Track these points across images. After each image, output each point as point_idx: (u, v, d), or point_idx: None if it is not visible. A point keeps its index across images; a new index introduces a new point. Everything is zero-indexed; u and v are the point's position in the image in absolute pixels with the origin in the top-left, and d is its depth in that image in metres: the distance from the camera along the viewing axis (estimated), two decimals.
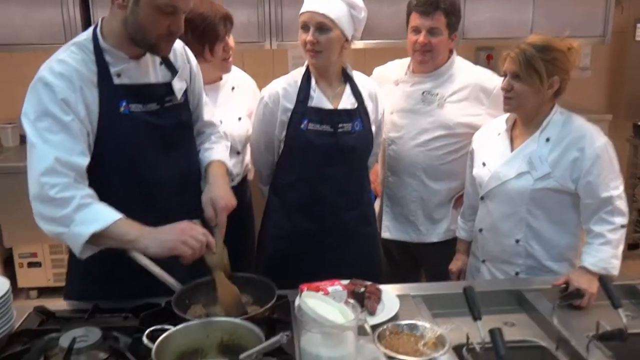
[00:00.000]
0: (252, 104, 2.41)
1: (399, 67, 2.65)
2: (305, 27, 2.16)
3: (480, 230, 2.26)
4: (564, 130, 2.08)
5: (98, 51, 1.70)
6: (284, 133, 2.24)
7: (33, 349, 1.51)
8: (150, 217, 1.65)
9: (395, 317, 1.70)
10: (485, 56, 4.31)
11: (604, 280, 1.78)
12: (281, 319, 1.66)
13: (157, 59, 1.82)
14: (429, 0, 2.38)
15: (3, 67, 4.14)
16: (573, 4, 3.96)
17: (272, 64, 4.20)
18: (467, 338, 1.54)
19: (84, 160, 1.66)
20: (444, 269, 2.46)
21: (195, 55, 2.01)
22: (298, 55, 3.98)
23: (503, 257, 2.20)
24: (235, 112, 2.44)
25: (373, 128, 2.32)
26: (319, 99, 2.22)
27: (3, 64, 4.11)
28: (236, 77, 2.53)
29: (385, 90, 2.51)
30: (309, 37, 2.14)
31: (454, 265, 2.44)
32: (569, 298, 1.88)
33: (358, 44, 2.40)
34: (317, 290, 1.67)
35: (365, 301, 1.75)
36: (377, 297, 1.79)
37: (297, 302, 1.65)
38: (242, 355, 1.27)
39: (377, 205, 2.74)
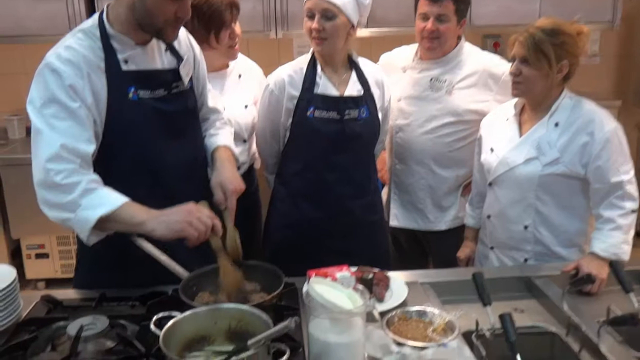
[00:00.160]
0: (259, 92, 2.40)
1: (407, 53, 2.63)
2: (310, 15, 2.14)
3: (489, 216, 2.24)
4: (573, 114, 2.06)
5: (105, 37, 1.70)
6: (290, 121, 2.23)
7: (40, 337, 1.51)
8: (157, 204, 1.64)
9: (403, 304, 1.69)
10: (492, 44, 4.28)
11: (614, 264, 1.75)
12: (289, 305, 1.65)
13: (163, 46, 1.82)
14: None
15: (8, 58, 4.12)
16: None
17: (277, 54, 4.18)
18: (477, 324, 1.53)
19: (90, 148, 1.65)
20: (452, 256, 2.45)
21: (201, 42, 2.00)
22: (303, 44, 3.97)
23: (511, 244, 2.18)
24: (242, 100, 2.42)
25: (380, 115, 2.30)
26: (324, 85, 2.20)
27: (8, 55, 4.10)
28: (243, 65, 2.52)
29: (393, 77, 2.49)
30: (314, 24, 2.12)
31: (462, 253, 2.42)
32: (579, 284, 1.86)
33: (364, 33, 2.38)
34: (325, 276, 1.66)
35: (373, 287, 1.74)
36: (386, 283, 1.78)
37: (305, 288, 1.64)
38: (250, 342, 1.27)
39: (384, 193, 2.73)
